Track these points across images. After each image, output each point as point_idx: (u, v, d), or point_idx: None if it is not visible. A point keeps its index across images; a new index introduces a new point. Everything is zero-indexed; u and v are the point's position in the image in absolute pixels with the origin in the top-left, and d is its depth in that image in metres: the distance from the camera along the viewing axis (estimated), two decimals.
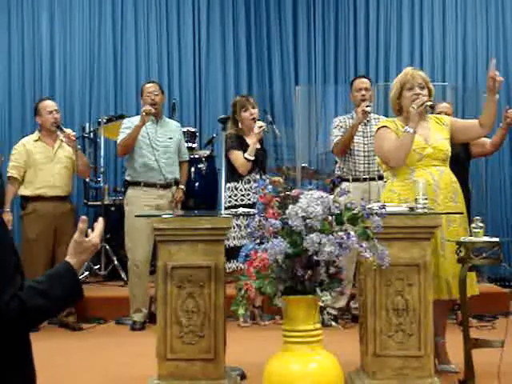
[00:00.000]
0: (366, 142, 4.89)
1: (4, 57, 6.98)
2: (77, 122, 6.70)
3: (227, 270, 3.94)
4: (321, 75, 7.15)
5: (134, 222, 4.68)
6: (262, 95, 6.98)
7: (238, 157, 4.81)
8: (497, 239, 3.34)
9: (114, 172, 6.98)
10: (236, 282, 2.83)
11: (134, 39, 7.12)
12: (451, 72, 6.99)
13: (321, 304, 2.76)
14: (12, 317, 1.63)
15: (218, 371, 3.18)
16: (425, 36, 7.06)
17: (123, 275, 5.78)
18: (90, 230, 1.89)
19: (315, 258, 2.64)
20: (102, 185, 6.14)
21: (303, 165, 5.88)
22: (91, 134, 6.48)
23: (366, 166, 4.88)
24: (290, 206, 2.72)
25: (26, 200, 4.99)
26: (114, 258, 5.92)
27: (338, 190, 4.61)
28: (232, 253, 4.45)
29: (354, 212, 2.76)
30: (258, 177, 4.86)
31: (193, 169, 5.85)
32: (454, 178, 3.61)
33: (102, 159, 6.04)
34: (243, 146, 4.83)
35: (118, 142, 4.99)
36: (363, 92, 4.94)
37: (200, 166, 6.00)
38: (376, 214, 2.78)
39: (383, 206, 2.86)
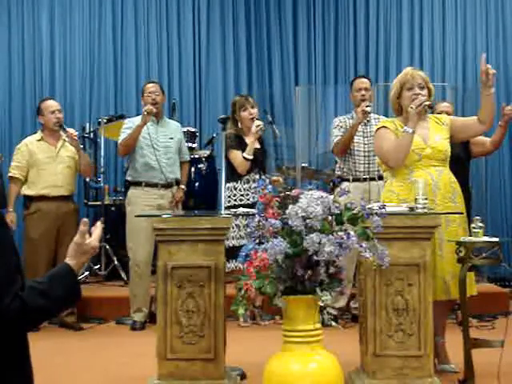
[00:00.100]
0: (366, 142, 4.89)
1: (4, 57, 6.99)
2: (77, 122, 6.70)
3: (226, 270, 3.94)
4: (321, 75, 7.15)
5: (136, 222, 4.68)
6: (262, 95, 6.97)
7: (236, 156, 4.82)
8: (496, 239, 3.34)
9: (114, 172, 6.98)
10: (236, 281, 2.83)
11: (134, 39, 7.12)
12: (451, 72, 6.99)
13: (321, 304, 2.76)
14: (13, 317, 1.64)
15: (218, 371, 3.18)
16: (425, 36, 7.06)
17: (123, 275, 5.79)
18: (87, 235, 1.90)
19: (315, 257, 2.64)
20: (102, 185, 6.14)
21: (303, 165, 5.88)
22: (91, 134, 6.48)
23: (366, 165, 4.89)
24: (290, 206, 2.72)
25: (29, 200, 5.00)
26: (114, 258, 5.92)
27: (337, 190, 4.61)
28: (231, 253, 4.46)
29: (354, 212, 2.77)
30: (257, 177, 4.87)
31: (193, 169, 5.85)
32: (454, 179, 3.61)
33: (102, 159, 6.04)
34: (242, 146, 4.83)
35: (119, 141, 5.00)
36: (363, 92, 4.94)
37: (200, 165, 6.01)
38: (376, 213, 2.79)
39: (383, 206, 2.87)
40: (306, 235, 2.65)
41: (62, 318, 4.85)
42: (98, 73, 7.07)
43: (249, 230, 2.85)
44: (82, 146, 5.28)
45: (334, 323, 4.52)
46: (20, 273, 1.72)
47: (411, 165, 3.54)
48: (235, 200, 4.81)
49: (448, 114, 4.91)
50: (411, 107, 3.52)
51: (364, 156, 4.90)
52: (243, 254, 2.78)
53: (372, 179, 4.88)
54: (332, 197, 2.78)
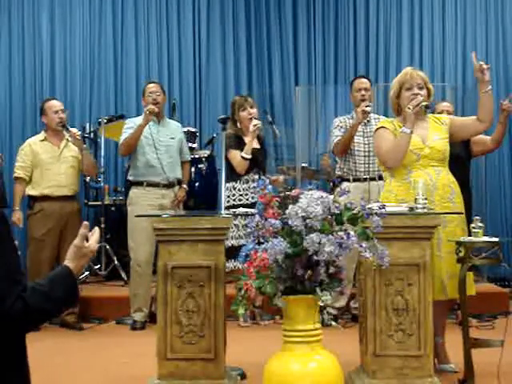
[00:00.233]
0: (366, 142, 4.89)
1: (5, 57, 6.99)
2: (77, 122, 6.70)
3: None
4: (321, 75, 7.15)
5: (137, 222, 4.69)
6: (262, 95, 6.98)
7: (235, 156, 4.82)
8: (496, 239, 3.34)
9: (115, 172, 6.99)
10: (236, 281, 2.84)
11: (134, 39, 7.12)
12: (451, 72, 6.99)
13: (321, 304, 2.76)
14: (16, 318, 1.64)
15: (218, 371, 3.19)
16: (425, 36, 7.06)
17: (123, 275, 5.79)
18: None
19: (315, 257, 2.64)
20: (102, 185, 6.14)
21: (303, 165, 5.88)
22: (91, 134, 6.49)
23: (367, 165, 4.89)
24: (290, 206, 2.72)
25: (32, 200, 5.02)
26: (115, 258, 5.92)
27: (338, 189, 4.62)
28: (230, 253, 4.46)
29: (354, 212, 2.77)
30: (256, 177, 4.87)
31: (193, 169, 5.85)
32: (453, 179, 3.61)
33: (102, 159, 6.04)
34: (242, 146, 4.83)
35: (121, 141, 5.01)
36: (363, 92, 4.95)
37: (200, 166, 6.01)
38: (376, 213, 2.79)
39: (383, 206, 2.87)
40: (306, 235, 2.65)
41: (62, 317, 4.85)
42: (98, 73, 7.08)
43: (249, 230, 2.85)
44: (85, 146, 5.29)
45: (333, 323, 4.53)
46: (21, 273, 1.72)
47: (410, 165, 3.54)
48: (234, 200, 4.82)
49: (448, 113, 4.92)
50: (408, 107, 3.53)
51: (364, 156, 4.91)
52: (243, 254, 2.78)
53: (372, 179, 4.88)
54: (332, 197, 2.79)
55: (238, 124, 4.92)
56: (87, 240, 1.89)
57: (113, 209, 6.45)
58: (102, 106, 7.02)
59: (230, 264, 4.63)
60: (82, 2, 7.08)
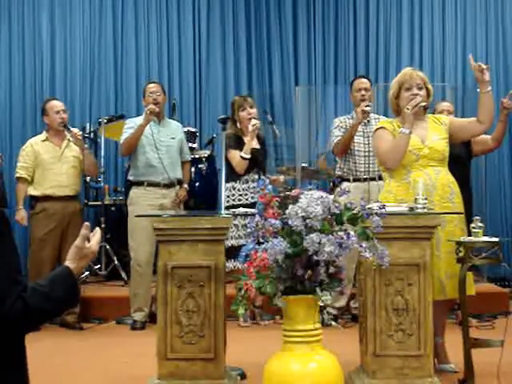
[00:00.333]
0: (366, 142, 4.89)
1: (5, 57, 6.98)
2: (77, 122, 6.70)
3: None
4: (321, 75, 7.15)
5: (137, 222, 4.69)
6: (262, 95, 6.97)
7: (234, 156, 4.82)
8: (496, 239, 3.34)
9: (115, 172, 6.99)
10: (236, 281, 2.84)
11: (134, 39, 7.12)
12: (451, 72, 6.99)
13: (321, 304, 2.76)
14: (15, 318, 1.64)
15: (218, 371, 3.19)
16: (425, 36, 7.06)
17: (123, 275, 5.79)
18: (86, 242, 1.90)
19: (315, 257, 2.64)
20: (102, 185, 6.14)
21: (303, 165, 5.88)
22: (91, 134, 6.49)
23: (367, 165, 4.89)
24: (290, 206, 2.72)
25: (34, 200, 5.04)
26: (115, 258, 5.92)
27: (338, 189, 4.62)
28: (230, 253, 4.46)
29: (354, 212, 2.77)
30: (255, 177, 4.87)
31: (193, 169, 5.85)
32: (452, 179, 3.61)
33: (102, 159, 6.04)
34: (241, 146, 4.83)
35: (122, 141, 5.02)
36: (363, 92, 4.95)
37: (200, 166, 6.01)
38: (376, 213, 2.79)
39: (383, 206, 2.87)
40: (306, 235, 2.65)
41: (62, 317, 4.85)
42: (98, 73, 7.07)
43: (249, 230, 2.85)
44: (86, 146, 5.29)
45: (333, 323, 4.53)
46: (21, 273, 1.72)
47: (409, 165, 3.54)
48: (233, 200, 4.81)
49: (449, 112, 4.92)
50: (407, 108, 3.53)
51: (364, 156, 4.91)
52: (243, 254, 2.78)
53: (372, 179, 4.88)
54: (332, 197, 2.79)
55: (238, 124, 4.92)
56: (88, 240, 1.89)
57: (113, 209, 6.45)
58: (102, 106, 7.02)
59: (230, 264, 4.62)
60: (81, 2, 7.08)
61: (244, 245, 2.91)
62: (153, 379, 3.21)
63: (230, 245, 4.66)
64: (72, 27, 7.07)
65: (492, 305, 5.09)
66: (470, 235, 3.41)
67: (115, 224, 6.25)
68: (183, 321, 3.20)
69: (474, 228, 3.34)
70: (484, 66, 3.49)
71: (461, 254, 3.35)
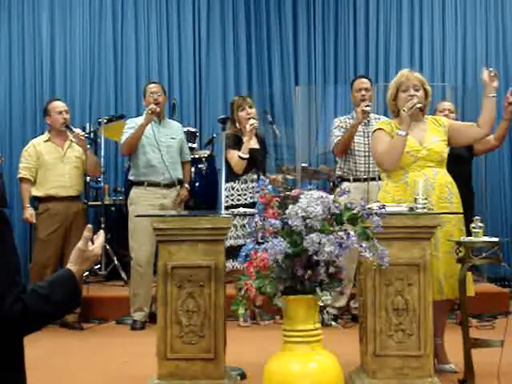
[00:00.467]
0: (366, 142, 4.89)
1: (4, 57, 6.98)
2: (77, 122, 6.69)
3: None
4: (321, 75, 7.14)
5: (138, 222, 4.70)
6: (262, 95, 6.97)
7: (233, 156, 4.82)
8: (496, 239, 3.34)
9: (115, 172, 6.99)
10: (236, 281, 2.83)
11: (134, 39, 7.12)
12: (451, 72, 6.99)
13: (321, 304, 2.76)
14: (14, 319, 1.64)
15: (218, 371, 3.19)
16: (425, 36, 7.05)
17: (123, 275, 5.79)
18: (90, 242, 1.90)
19: (315, 257, 2.64)
20: (102, 185, 6.15)
21: (303, 165, 5.88)
22: (91, 134, 6.48)
23: (367, 166, 4.89)
24: (290, 206, 2.72)
25: (37, 200, 5.04)
26: (115, 258, 5.92)
27: (338, 190, 4.62)
28: (229, 253, 4.46)
29: (354, 212, 2.77)
30: (254, 177, 4.87)
31: (193, 169, 5.85)
32: (450, 179, 3.61)
33: (102, 159, 6.04)
34: (241, 146, 4.83)
35: (122, 141, 5.03)
36: (363, 92, 4.96)
37: (200, 166, 6.01)
38: (376, 213, 2.79)
39: (383, 206, 2.87)
40: (306, 235, 2.65)
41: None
42: (98, 73, 7.07)
43: (249, 230, 2.85)
44: (88, 146, 5.30)
45: (333, 323, 4.53)
46: (20, 274, 1.71)
47: (406, 166, 3.54)
48: (233, 200, 4.81)
49: (450, 112, 4.93)
50: (403, 110, 3.53)
51: (364, 156, 4.91)
52: (243, 254, 2.78)
53: (372, 179, 4.88)
54: (332, 197, 2.79)
55: (237, 124, 4.92)
56: (92, 242, 1.88)
57: (113, 209, 6.45)
58: (101, 106, 7.02)
59: (229, 264, 4.62)
60: (82, 2, 7.08)
61: (243, 245, 2.91)
62: (153, 379, 3.21)
63: (228, 245, 4.66)
64: (72, 27, 7.06)
65: (492, 305, 5.09)
66: (470, 235, 3.41)
67: (115, 224, 6.25)
68: (183, 321, 3.20)
69: (474, 228, 3.34)
70: (494, 73, 3.52)
71: (461, 254, 3.35)
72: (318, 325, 2.79)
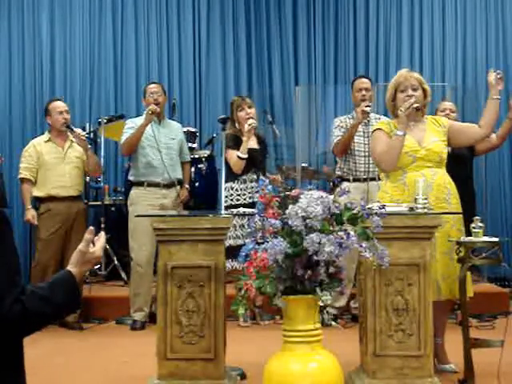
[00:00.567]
0: (366, 143, 4.89)
1: (4, 57, 6.98)
2: (77, 122, 6.69)
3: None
4: (321, 75, 7.14)
5: (138, 222, 4.70)
6: (261, 95, 6.97)
7: (232, 156, 4.82)
8: (496, 239, 3.34)
9: (114, 172, 6.99)
10: (236, 281, 2.83)
11: (134, 39, 7.12)
12: (451, 72, 6.99)
13: (321, 304, 2.76)
14: (14, 320, 1.63)
15: (218, 371, 3.18)
16: (425, 36, 7.06)
17: (123, 275, 5.80)
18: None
19: (315, 257, 2.64)
20: (102, 185, 6.15)
21: (303, 165, 5.88)
22: (91, 134, 6.48)
23: (367, 166, 4.88)
24: (290, 206, 2.72)
25: (38, 201, 5.04)
26: (115, 258, 5.92)
27: (338, 189, 4.62)
28: (227, 253, 4.45)
29: (354, 212, 2.77)
30: (254, 177, 4.87)
31: (193, 169, 5.86)
32: (449, 180, 3.60)
33: (102, 159, 6.04)
34: (240, 146, 4.83)
35: (122, 141, 5.03)
36: (363, 92, 4.95)
37: (200, 166, 6.01)
38: (376, 213, 2.79)
39: (383, 206, 2.87)
40: (306, 235, 2.65)
41: None
42: (98, 73, 7.07)
43: (249, 230, 2.85)
44: (89, 146, 5.30)
45: (333, 323, 4.53)
46: (20, 275, 1.71)
47: (405, 166, 3.54)
48: (232, 200, 4.81)
49: (451, 111, 4.93)
50: (400, 110, 3.53)
51: (364, 156, 4.90)
52: (243, 254, 2.78)
53: (372, 179, 4.87)
54: (332, 197, 2.79)
55: (237, 124, 4.92)
56: (93, 244, 1.88)
57: (113, 209, 6.45)
58: (101, 106, 7.02)
59: (228, 264, 4.62)
60: (82, 2, 7.08)
61: (242, 245, 2.91)
62: (153, 379, 3.21)
63: (227, 245, 4.66)
64: (72, 27, 7.06)
65: (492, 305, 5.09)
66: (469, 235, 3.40)
67: (115, 224, 6.25)
68: (183, 321, 3.20)
69: (474, 228, 3.34)
70: (500, 76, 3.53)
71: (461, 254, 3.35)
72: (318, 325, 2.79)
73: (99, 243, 1.90)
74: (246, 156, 4.79)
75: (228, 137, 4.81)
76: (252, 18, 7.21)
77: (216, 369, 3.18)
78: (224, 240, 3.31)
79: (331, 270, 2.73)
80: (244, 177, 4.87)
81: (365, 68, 7.04)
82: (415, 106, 3.54)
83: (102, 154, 6.05)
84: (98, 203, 6.22)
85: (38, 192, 5.01)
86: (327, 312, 4.68)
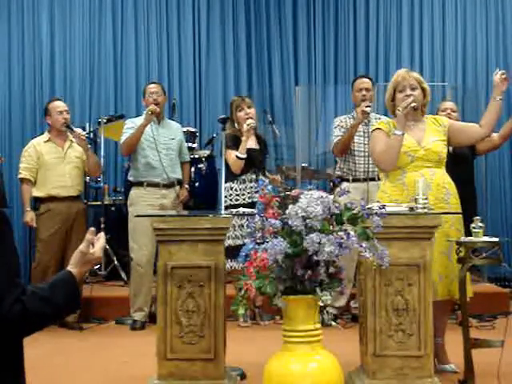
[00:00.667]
0: (366, 143, 4.88)
1: (4, 57, 6.98)
2: (77, 122, 6.69)
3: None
4: (321, 75, 7.15)
5: (138, 223, 4.70)
6: (261, 95, 6.98)
7: (231, 156, 4.82)
8: (496, 239, 3.34)
9: (114, 172, 6.99)
10: (236, 281, 2.83)
11: (134, 39, 7.12)
12: (451, 72, 6.99)
13: (321, 304, 2.76)
14: (14, 320, 1.63)
15: (218, 371, 3.18)
16: (425, 36, 7.06)
17: (123, 275, 5.79)
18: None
19: (315, 257, 2.64)
20: (101, 185, 6.15)
21: (303, 165, 5.88)
22: (91, 133, 6.49)
23: (366, 166, 4.88)
24: (290, 206, 2.72)
25: (38, 201, 5.04)
26: (114, 258, 5.92)
27: (337, 190, 4.61)
28: (226, 253, 4.45)
29: (354, 212, 2.77)
30: (253, 177, 4.87)
31: (193, 169, 5.86)
32: (448, 180, 3.60)
33: (102, 159, 6.04)
34: (239, 146, 4.83)
35: (122, 141, 5.03)
36: (364, 92, 4.95)
37: (200, 165, 6.01)
38: (376, 213, 2.79)
39: (383, 206, 2.87)
40: (306, 235, 2.65)
41: None
42: (98, 73, 7.07)
43: (248, 230, 2.85)
44: (89, 146, 5.30)
45: (333, 323, 4.53)
46: (20, 275, 1.71)
47: (404, 166, 3.54)
48: (231, 200, 4.81)
49: (452, 111, 4.93)
50: (398, 109, 3.53)
51: (364, 156, 4.90)
52: (243, 254, 2.78)
53: (372, 179, 4.87)
54: (332, 197, 2.78)
55: (236, 124, 4.92)
56: (93, 245, 1.88)
57: (112, 209, 6.45)
58: (101, 106, 7.02)
59: (227, 264, 4.62)
60: (82, 2, 7.08)
61: (241, 245, 2.91)
62: (153, 379, 3.21)
63: (226, 245, 4.66)
64: (72, 27, 7.06)
65: (492, 305, 5.08)
66: (470, 235, 3.40)
67: (115, 224, 6.25)
68: (183, 321, 3.19)
69: (474, 228, 3.33)
70: (505, 76, 3.54)
71: (461, 254, 3.35)
72: (318, 325, 2.79)
73: (99, 244, 1.90)
74: (244, 156, 4.79)
75: (227, 137, 4.81)
76: (252, 18, 7.21)
77: (216, 369, 3.18)
78: (224, 240, 3.31)
79: (331, 270, 2.73)
80: (243, 177, 4.87)
81: (365, 68, 7.04)
82: (413, 105, 3.54)
83: (102, 153, 6.05)
84: (98, 203, 6.22)
85: (37, 192, 5.01)
86: (327, 312, 4.68)
